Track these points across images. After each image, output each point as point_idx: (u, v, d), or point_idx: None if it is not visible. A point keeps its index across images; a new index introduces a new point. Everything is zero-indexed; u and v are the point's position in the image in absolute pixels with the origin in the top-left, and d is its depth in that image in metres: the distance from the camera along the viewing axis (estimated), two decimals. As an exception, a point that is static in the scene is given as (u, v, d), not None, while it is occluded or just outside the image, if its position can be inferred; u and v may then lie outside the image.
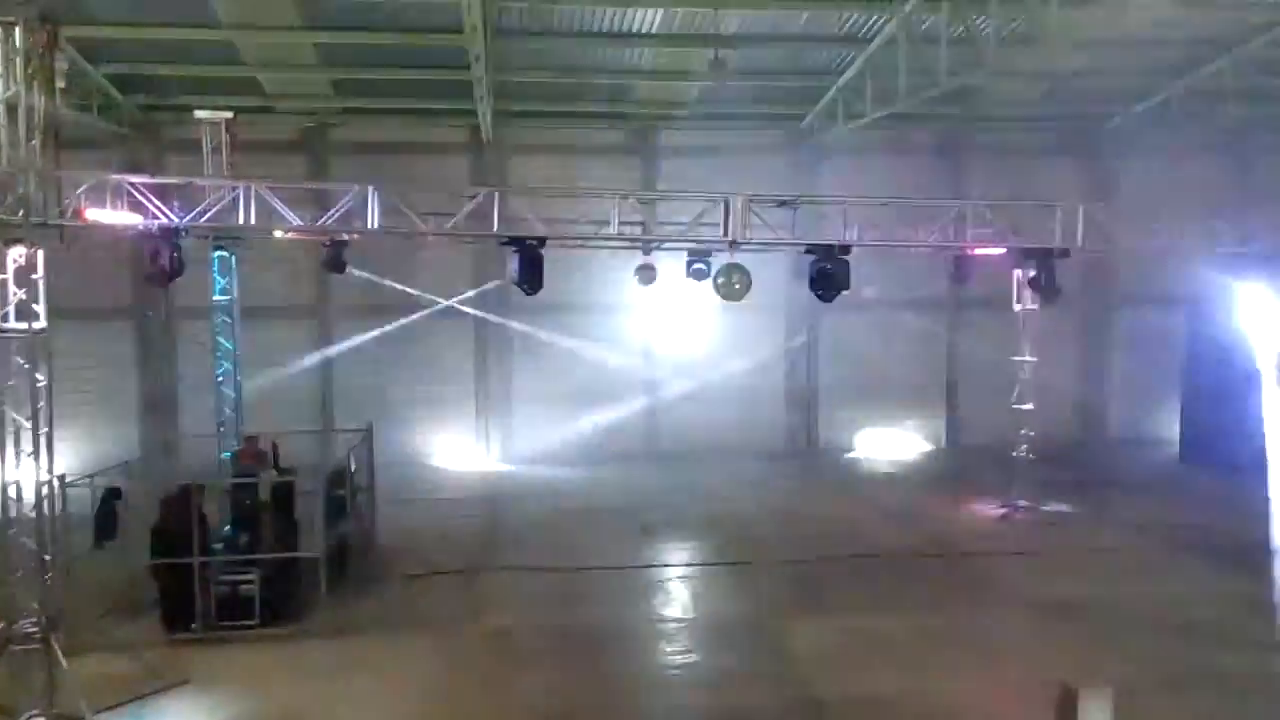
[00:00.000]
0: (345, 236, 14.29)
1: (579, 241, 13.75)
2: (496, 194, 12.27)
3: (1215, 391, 20.75)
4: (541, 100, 20.84)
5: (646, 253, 18.64)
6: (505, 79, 19.18)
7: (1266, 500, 16.10)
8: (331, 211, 12.35)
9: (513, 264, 12.24)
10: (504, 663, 11.02)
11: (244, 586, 11.73)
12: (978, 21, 15.50)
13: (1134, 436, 23.18)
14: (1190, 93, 20.35)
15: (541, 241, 12.06)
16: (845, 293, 12.96)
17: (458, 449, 22.23)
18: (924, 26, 16.48)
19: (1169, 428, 22.48)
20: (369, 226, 12.10)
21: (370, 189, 11.93)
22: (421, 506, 18.09)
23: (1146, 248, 16.03)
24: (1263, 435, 19.80)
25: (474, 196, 12.52)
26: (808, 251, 13.26)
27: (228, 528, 12.79)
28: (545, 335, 21.78)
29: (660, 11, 16.87)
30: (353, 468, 14.54)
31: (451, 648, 11.44)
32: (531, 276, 12.03)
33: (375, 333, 21.45)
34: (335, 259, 15.45)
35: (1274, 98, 19.86)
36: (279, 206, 11.79)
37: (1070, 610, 12.61)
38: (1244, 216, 17.10)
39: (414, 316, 21.44)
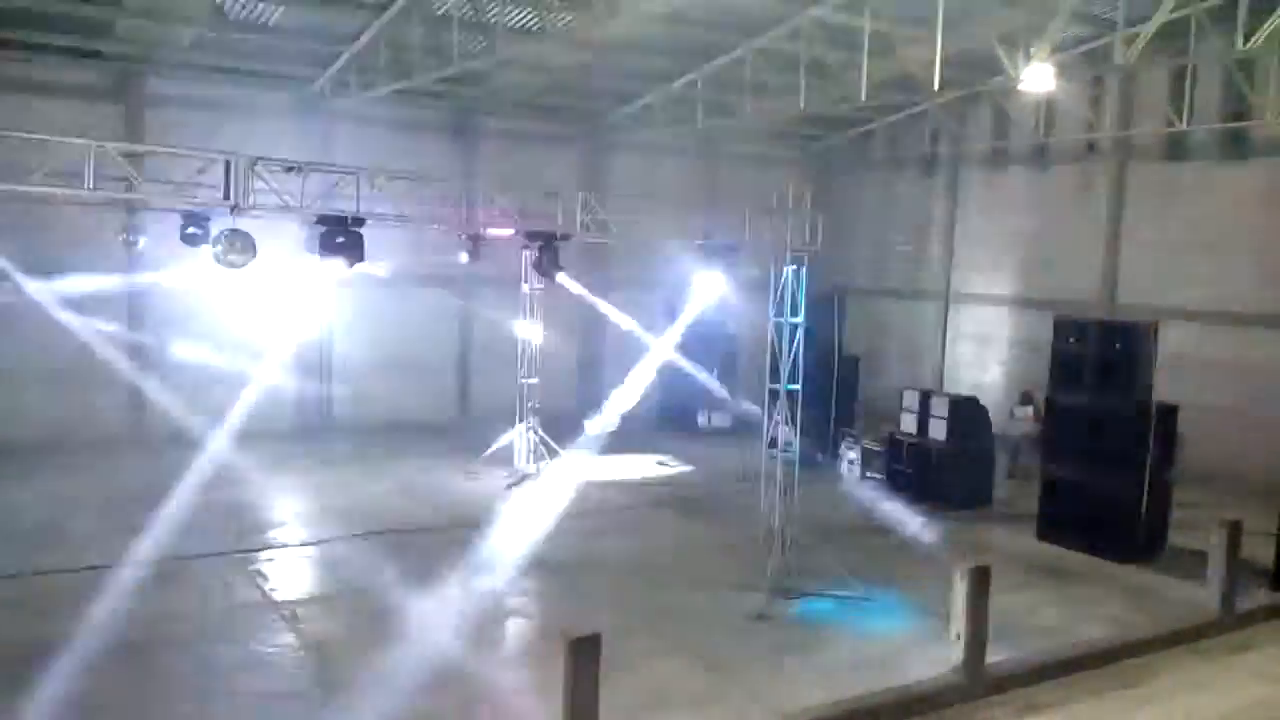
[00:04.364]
0: None
1: (40, 196, 11.75)
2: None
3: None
4: (-8, 25, 17.50)
5: (132, 213, 16.57)
6: (-62, -9, 15.81)
7: (728, 459, 18.74)
8: None
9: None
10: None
11: None
12: (489, 8, 15.99)
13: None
14: (669, 99, 22.96)
15: (-10, 192, 10.14)
16: (360, 265, 12.67)
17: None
18: (438, 7, 16.61)
19: (651, 398, 25.18)
20: None
21: None
22: None
23: (634, 236, 17.81)
24: (716, 403, 23.26)
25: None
26: (319, 221, 12.72)
27: None
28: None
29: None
30: None
31: None
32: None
33: None
34: None
35: (733, 112, 23.07)
36: None
37: (572, 567, 13.70)
38: (709, 213, 19.80)
39: None
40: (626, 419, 22.30)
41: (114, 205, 15.13)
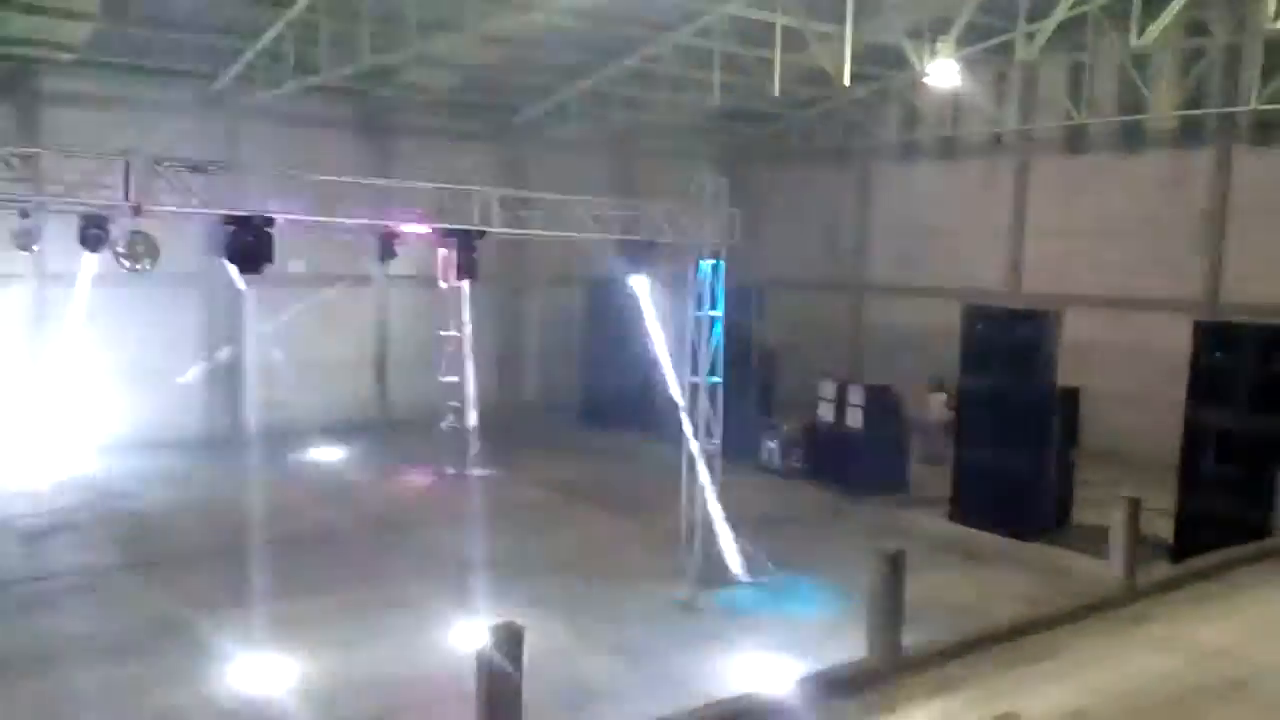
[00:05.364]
0: None
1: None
2: None
3: (607, 362, 23.80)
4: None
5: (25, 215, 15.86)
6: None
7: (652, 454, 18.87)
8: None
9: None
10: None
11: None
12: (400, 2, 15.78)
13: (545, 403, 25.56)
14: (584, 95, 22.92)
15: None
16: (270, 267, 12.40)
17: None
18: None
19: (572, 394, 25.15)
20: None
21: None
22: None
23: (551, 233, 17.71)
24: (647, 399, 23.26)
25: None
26: (226, 222, 12.41)
27: None
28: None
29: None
30: None
31: None
32: None
33: None
34: None
35: (649, 107, 23.16)
36: None
37: (491, 564, 13.61)
38: (627, 209, 19.75)
39: None
40: (552, 415, 22.20)
41: (6, 207, 14.42)
